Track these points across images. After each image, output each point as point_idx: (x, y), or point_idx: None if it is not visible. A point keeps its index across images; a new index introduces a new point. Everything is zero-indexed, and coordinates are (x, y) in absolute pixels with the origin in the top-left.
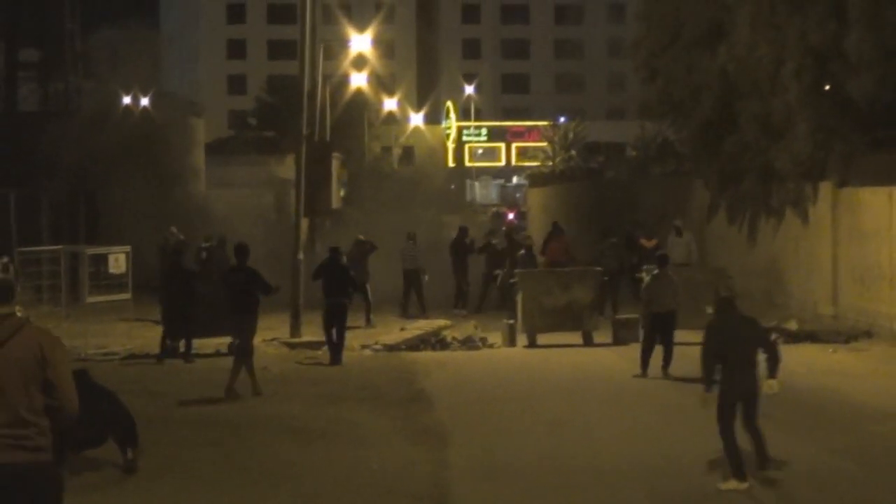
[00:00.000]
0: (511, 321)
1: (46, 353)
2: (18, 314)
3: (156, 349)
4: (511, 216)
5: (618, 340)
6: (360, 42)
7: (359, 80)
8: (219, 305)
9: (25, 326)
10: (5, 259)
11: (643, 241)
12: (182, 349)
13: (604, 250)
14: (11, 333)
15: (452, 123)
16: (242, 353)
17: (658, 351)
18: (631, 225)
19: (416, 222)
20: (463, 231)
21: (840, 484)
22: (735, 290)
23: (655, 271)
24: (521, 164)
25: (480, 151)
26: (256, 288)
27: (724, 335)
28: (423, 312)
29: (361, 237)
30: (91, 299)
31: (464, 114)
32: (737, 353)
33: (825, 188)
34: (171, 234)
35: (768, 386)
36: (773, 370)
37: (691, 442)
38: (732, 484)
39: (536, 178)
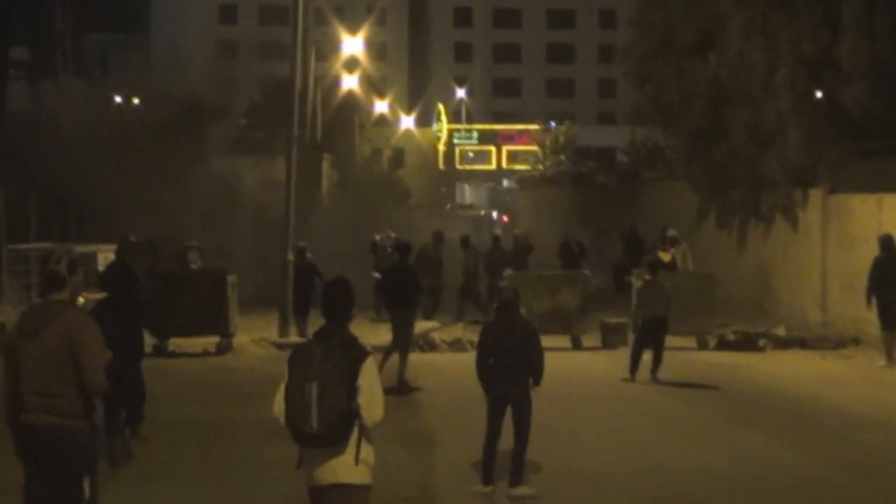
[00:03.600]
0: None
1: (76, 337)
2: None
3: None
4: (505, 219)
5: (606, 344)
6: (352, 44)
7: (350, 83)
8: (204, 305)
9: (62, 313)
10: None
11: (661, 254)
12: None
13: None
14: (49, 320)
15: (443, 126)
16: (404, 345)
17: (647, 355)
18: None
19: (406, 225)
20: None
21: (828, 493)
22: (519, 294)
23: (647, 277)
24: (511, 167)
25: (471, 154)
26: (413, 286)
27: (495, 336)
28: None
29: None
30: (80, 297)
31: (455, 117)
32: (501, 356)
33: (815, 195)
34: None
35: None
36: (535, 381)
37: (678, 447)
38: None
39: (527, 182)
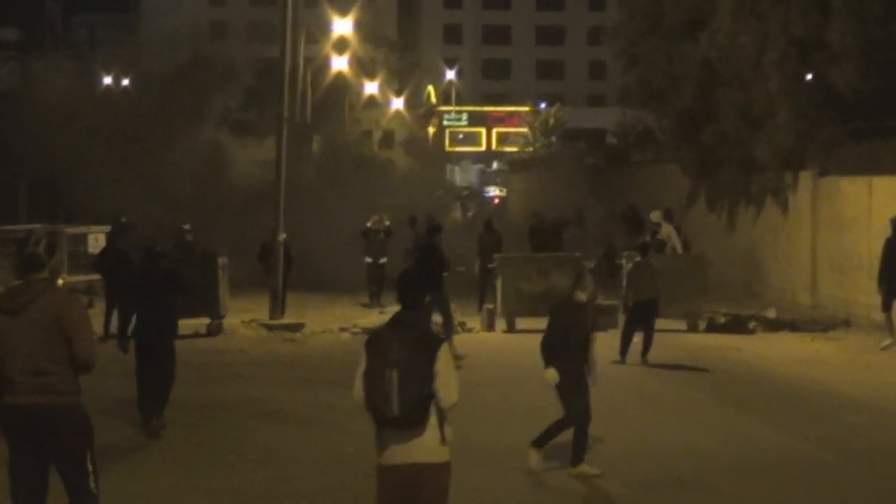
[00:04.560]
0: (490, 306)
1: (62, 313)
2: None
3: None
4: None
5: (596, 327)
6: (342, 26)
7: (340, 64)
8: (195, 287)
9: (46, 291)
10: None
11: (661, 235)
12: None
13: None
14: (33, 298)
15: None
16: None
17: (637, 338)
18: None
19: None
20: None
21: (816, 473)
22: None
23: (637, 259)
24: (501, 149)
25: (461, 136)
26: (438, 265)
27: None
28: None
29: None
30: (70, 279)
31: (444, 98)
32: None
33: (805, 177)
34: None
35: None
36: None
37: (668, 429)
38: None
39: (516, 164)
